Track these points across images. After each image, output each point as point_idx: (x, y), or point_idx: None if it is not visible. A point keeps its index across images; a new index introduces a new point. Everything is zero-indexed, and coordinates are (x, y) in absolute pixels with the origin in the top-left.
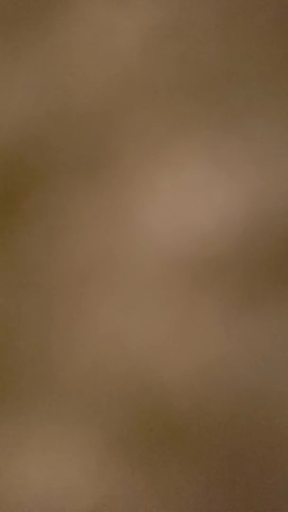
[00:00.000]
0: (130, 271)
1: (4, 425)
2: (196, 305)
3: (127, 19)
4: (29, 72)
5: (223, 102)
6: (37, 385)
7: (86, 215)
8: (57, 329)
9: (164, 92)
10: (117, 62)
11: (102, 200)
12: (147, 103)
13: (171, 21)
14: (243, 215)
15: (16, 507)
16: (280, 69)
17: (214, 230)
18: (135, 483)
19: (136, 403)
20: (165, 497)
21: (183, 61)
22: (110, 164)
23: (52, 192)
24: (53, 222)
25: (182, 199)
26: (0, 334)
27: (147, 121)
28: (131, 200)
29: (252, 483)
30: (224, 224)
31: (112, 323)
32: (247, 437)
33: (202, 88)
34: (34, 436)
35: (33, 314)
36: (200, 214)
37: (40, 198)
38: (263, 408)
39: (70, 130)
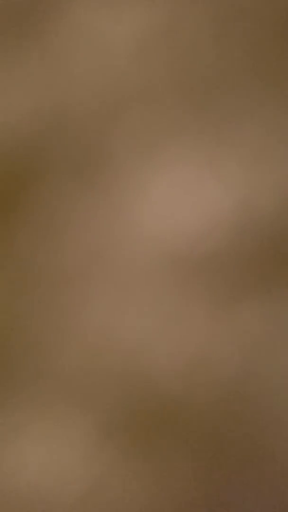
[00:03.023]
0: (124, 268)
1: (2, 413)
2: (185, 300)
3: (119, 25)
4: (25, 77)
5: (213, 108)
6: (34, 376)
7: (82, 214)
8: (54, 323)
9: (156, 97)
10: (111, 67)
11: (97, 201)
12: (140, 108)
13: (163, 26)
14: (232, 215)
15: (12, 491)
16: (270, 75)
17: (204, 230)
18: (126, 466)
19: (128, 392)
20: (155, 479)
21: (175, 67)
22: (105, 166)
23: (49, 192)
24: (50, 221)
25: (173, 200)
26: None
27: (140, 125)
28: (125, 200)
29: (237, 463)
30: (213, 224)
31: (106, 317)
32: (232, 421)
33: (193, 93)
34: (31, 423)
35: (31, 308)
36: (190, 214)
37: (38, 198)
38: (246, 394)
39: (66, 133)
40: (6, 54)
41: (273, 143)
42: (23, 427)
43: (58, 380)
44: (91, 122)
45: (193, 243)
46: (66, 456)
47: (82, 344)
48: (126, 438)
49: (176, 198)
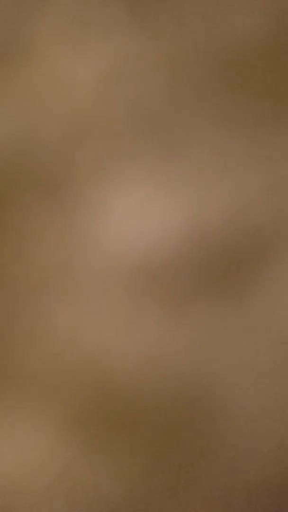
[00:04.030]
0: (85, 278)
1: None
2: (142, 306)
3: (83, 60)
4: None
5: (165, 135)
6: (4, 375)
7: (48, 230)
8: (22, 327)
9: (115, 125)
10: (74, 98)
11: (61, 217)
12: (100, 134)
13: (122, 62)
14: (183, 229)
15: None
16: (216, 108)
17: (158, 243)
18: (88, 457)
19: (91, 390)
20: (114, 469)
21: (132, 99)
22: (69, 187)
23: (17, 210)
24: (18, 235)
25: (130, 217)
26: None
27: (101, 151)
28: (87, 218)
29: (190, 454)
30: (167, 237)
31: (69, 321)
32: (185, 416)
33: (149, 122)
34: (2, 418)
35: (1, 314)
36: (146, 229)
37: (7, 216)
38: (197, 390)
39: (34, 158)
40: None
41: (218, 165)
42: None
43: (25, 379)
44: (56, 148)
45: (148, 255)
46: (33, 448)
47: (47, 347)
48: (88, 431)
49: (133, 216)
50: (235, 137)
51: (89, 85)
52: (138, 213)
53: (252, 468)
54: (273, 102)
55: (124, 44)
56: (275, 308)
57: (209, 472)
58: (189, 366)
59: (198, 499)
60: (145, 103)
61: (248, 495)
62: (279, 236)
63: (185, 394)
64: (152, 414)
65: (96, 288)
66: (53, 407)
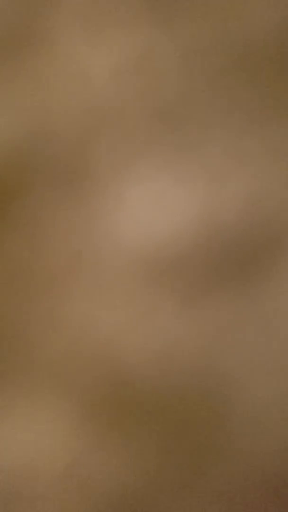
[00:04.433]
0: (100, 269)
1: None
2: (155, 297)
3: (97, 53)
4: (13, 98)
5: (181, 127)
6: (20, 365)
7: (63, 221)
8: (38, 317)
9: (131, 117)
10: (90, 89)
11: (76, 209)
12: (115, 126)
13: (136, 54)
14: (198, 222)
15: None
16: (230, 102)
17: (172, 234)
18: (102, 446)
19: (104, 381)
20: (128, 458)
21: (146, 91)
22: (84, 179)
23: (34, 202)
24: (36, 227)
25: (145, 209)
26: None
27: (117, 141)
28: (102, 209)
29: (200, 445)
30: (181, 229)
31: (83, 312)
32: (198, 407)
33: (163, 115)
34: (16, 407)
35: (18, 305)
36: (160, 221)
37: (25, 207)
38: (212, 384)
39: (50, 149)
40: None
41: (232, 158)
42: (10, 411)
43: (41, 368)
44: (72, 140)
45: (162, 247)
46: (46, 438)
47: (63, 336)
48: (100, 422)
49: (148, 208)
50: (250, 130)
51: (104, 77)
52: (152, 205)
53: (263, 461)
54: None
55: (139, 37)
56: None
57: (220, 464)
58: (201, 358)
59: (209, 490)
60: (160, 95)
61: (259, 486)
62: None
63: (197, 386)
64: (164, 405)
65: (110, 280)
66: (66, 398)
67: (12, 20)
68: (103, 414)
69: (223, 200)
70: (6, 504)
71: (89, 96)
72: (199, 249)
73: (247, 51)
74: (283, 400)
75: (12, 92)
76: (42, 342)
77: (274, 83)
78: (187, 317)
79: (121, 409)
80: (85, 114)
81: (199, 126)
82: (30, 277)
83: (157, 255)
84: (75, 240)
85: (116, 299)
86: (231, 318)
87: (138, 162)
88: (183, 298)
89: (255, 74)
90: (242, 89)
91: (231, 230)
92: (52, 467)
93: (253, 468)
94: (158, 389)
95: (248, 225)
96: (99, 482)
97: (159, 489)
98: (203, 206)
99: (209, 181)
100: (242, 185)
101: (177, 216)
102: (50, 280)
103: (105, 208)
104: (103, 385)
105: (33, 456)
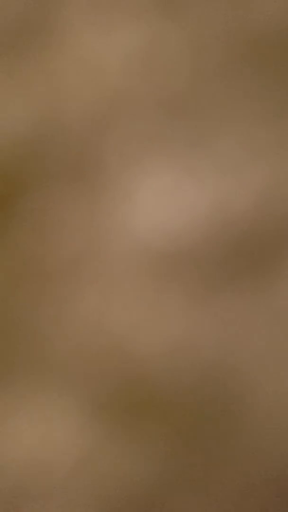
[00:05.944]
0: (112, 262)
1: (2, 391)
2: (167, 291)
3: (109, 44)
4: (23, 89)
5: (193, 118)
6: (30, 359)
7: (75, 214)
8: (49, 311)
9: (142, 109)
10: (101, 82)
11: (88, 202)
12: (127, 119)
13: (147, 46)
14: (208, 215)
15: (9, 462)
16: (241, 91)
17: (183, 228)
18: (113, 442)
19: (116, 375)
20: (139, 454)
21: (157, 83)
22: (96, 171)
23: (45, 195)
24: (45, 220)
25: (156, 203)
26: None
27: (128, 133)
28: (114, 202)
29: (214, 440)
30: (192, 222)
31: (95, 306)
32: (210, 402)
33: (175, 108)
34: (27, 402)
35: (29, 298)
36: (173, 214)
37: (35, 200)
38: (224, 378)
39: (60, 142)
40: (7, 67)
41: (246, 151)
42: (20, 406)
43: (52, 362)
44: (83, 132)
45: (174, 241)
46: (57, 432)
47: (73, 331)
48: (112, 416)
49: (159, 201)
50: (263, 121)
51: (116, 68)
52: (165, 198)
53: (277, 458)
54: None
55: (150, 26)
56: None
57: (234, 458)
58: (214, 352)
59: (222, 485)
60: (172, 86)
61: (272, 485)
62: None
63: (210, 379)
64: (176, 401)
65: (122, 273)
66: (78, 392)
67: (23, 11)
68: (115, 408)
69: (235, 193)
70: (16, 500)
71: (100, 87)
72: (210, 243)
73: (259, 39)
74: None
75: (22, 83)
76: (53, 337)
77: (287, 72)
78: (198, 311)
79: (133, 403)
80: (96, 105)
81: (211, 117)
82: (40, 271)
83: (168, 248)
84: (86, 234)
85: (127, 293)
86: (243, 312)
87: (149, 154)
88: (194, 292)
89: (267, 63)
90: (255, 79)
91: (243, 223)
92: (62, 463)
93: (266, 466)
94: (170, 384)
95: (260, 218)
96: (110, 478)
97: (169, 484)
98: (215, 200)
99: (221, 174)
100: (255, 177)
101: (188, 210)
102: (60, 275)
103: (116, 201)
104: (115, 379)
105: (43, 452)
